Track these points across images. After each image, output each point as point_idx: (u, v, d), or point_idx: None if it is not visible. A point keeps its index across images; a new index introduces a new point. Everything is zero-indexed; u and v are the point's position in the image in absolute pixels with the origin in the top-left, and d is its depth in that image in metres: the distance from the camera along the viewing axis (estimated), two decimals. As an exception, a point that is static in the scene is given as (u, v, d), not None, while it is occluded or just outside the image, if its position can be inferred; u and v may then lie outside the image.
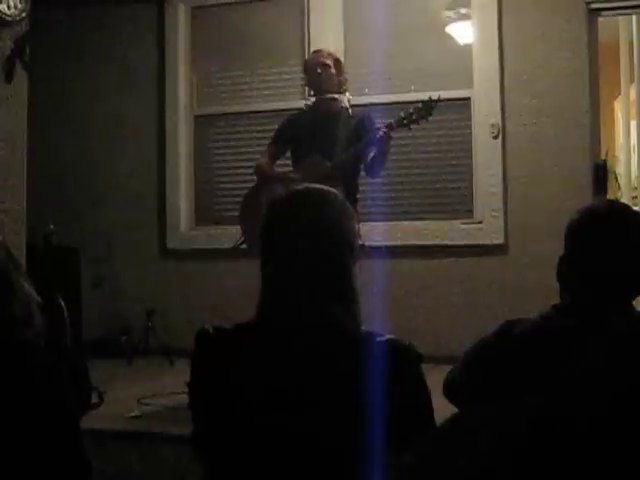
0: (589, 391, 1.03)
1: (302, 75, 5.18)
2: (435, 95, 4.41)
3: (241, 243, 4.61)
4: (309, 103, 4.83)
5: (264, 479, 1.74)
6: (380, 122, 4.48)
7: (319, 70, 4.58)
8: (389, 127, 4.35)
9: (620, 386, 1.01)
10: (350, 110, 4.59)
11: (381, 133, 4.32)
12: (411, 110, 4.39)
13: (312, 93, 4.76)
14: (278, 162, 4.84)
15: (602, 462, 0.96)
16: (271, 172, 4.69)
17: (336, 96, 4.58)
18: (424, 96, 4.57)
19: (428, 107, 4.38)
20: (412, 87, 5.88)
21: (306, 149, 4.56)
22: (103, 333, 6.15)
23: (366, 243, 4.36)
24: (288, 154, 4.78)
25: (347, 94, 4.63)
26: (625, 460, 0.95)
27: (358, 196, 4.60)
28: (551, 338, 1.92)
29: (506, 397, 1.49)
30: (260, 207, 3.63)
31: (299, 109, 5.04)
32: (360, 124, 4.52)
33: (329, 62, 4.59)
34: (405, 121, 4.37)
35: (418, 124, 4.42)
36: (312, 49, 5.30)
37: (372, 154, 4.44)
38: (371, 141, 4.36)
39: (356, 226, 1.93)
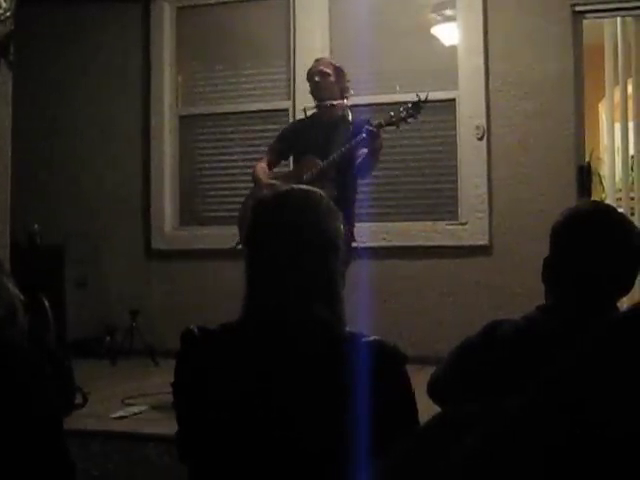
0: (572, 391, 1.03)
1: (287, 75, 5.18)
2: (423, 94, 4.42)
3: (237, 244, 4.62)
4: (310, 111, 4.83)
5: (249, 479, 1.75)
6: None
7: (317, 78, 4.62)
8: (378, 126, 4.37)
9: (603, 386, 1.02)
10: (350, 117, 4.60)
11: (370, 128, 4.33)
12: (400, 109, 4.42)
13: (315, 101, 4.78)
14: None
15: (587, 461, 0.96)
16: (261, 179, 4.67)
17: (335, 103, 4.59)
18: (409, 97, 4.59)
19: (417, 106, 4.41)
20: (397, 88, 5.88)
21: (305, 155, 4.58)
22: (87, 333, 6.12)
23: (356, 244, 4.38)
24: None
25: (346, 101, 4.64)
26: (611, 460, 0.96)
27: (357, 197, 4.61)
28: (535, 339, 1.93)
29: (489, 397, 1.49)
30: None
31: (284, 110, 5.04)
32: (357, 128, 4.51)
33: (328, 70, 4.62)
34: (394, 119, 4.40)
35: (407, 123, 4.45)
36: (297, 49, 5.29)
37: (363, 153, 4.45)
38: (362, 140, 4.36)
39: (342, 227, 1.92)
